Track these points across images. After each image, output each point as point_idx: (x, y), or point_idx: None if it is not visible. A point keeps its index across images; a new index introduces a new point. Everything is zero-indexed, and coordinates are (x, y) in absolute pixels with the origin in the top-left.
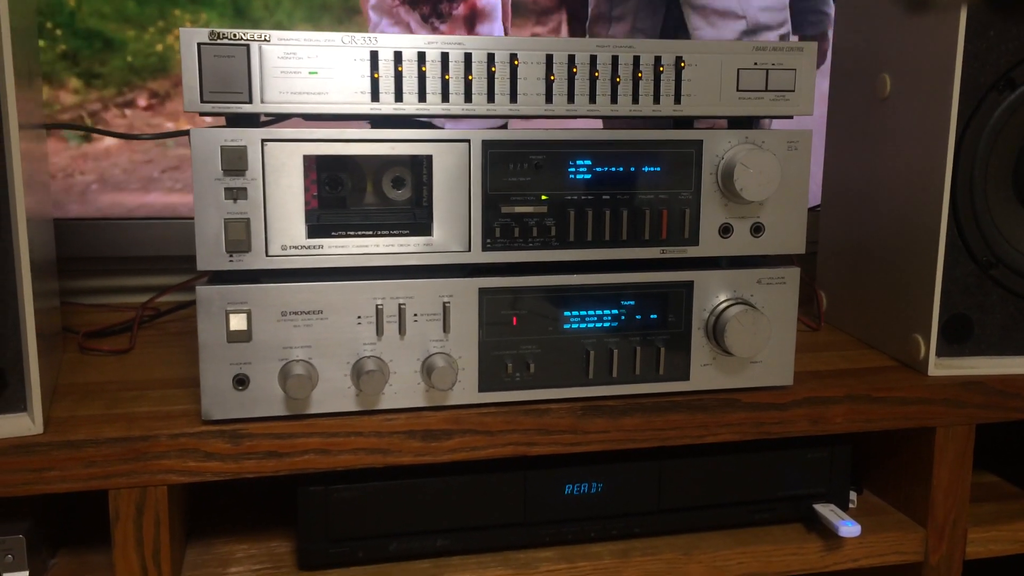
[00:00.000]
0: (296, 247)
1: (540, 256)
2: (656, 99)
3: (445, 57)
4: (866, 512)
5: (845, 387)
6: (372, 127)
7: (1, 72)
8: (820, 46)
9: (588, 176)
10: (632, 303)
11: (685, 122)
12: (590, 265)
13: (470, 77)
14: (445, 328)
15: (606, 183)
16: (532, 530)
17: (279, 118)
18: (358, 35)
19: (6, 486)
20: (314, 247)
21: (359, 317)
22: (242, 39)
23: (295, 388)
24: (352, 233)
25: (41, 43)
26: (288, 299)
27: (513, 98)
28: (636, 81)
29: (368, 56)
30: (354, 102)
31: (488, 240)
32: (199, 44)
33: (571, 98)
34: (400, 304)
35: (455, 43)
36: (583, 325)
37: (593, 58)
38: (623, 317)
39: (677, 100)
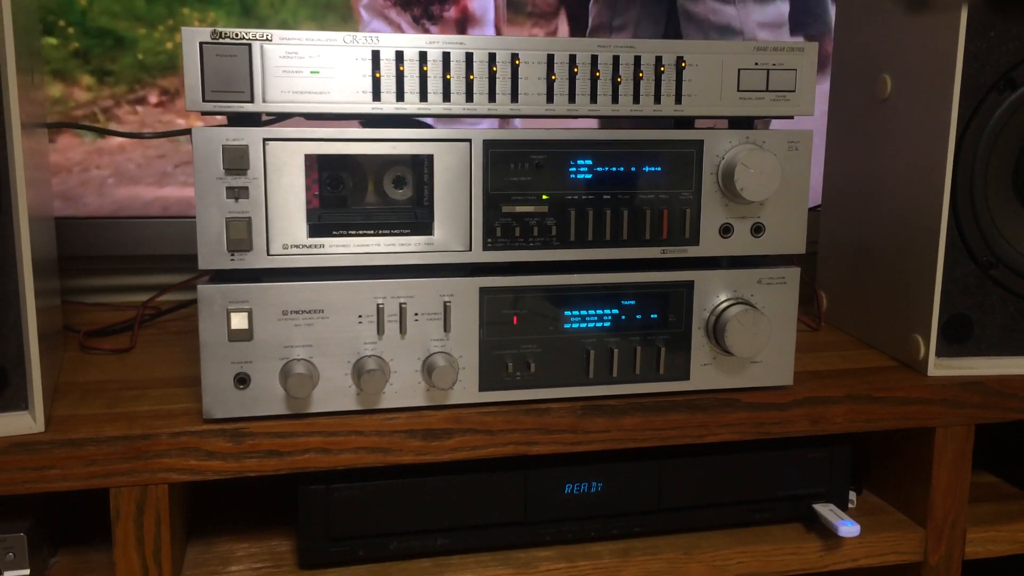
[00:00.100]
0: (297, 246)
1: (541, 256)
2: (657, 99)
3: (447, 57)
4: (865, 512)
5: (845, 387)
6: (363, 126)
7: (4, 72)
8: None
9: (589, 176)
10: (632, 303)
11: (686, 122)
12: (591, 265)
13: (471, 77)
14: (446, 327)
15: (607, 183)
16: (532, 529)
17: (281, 117)
18: (360, 35)
19: (7, 484)
20: (315, 246)
21: (360, 316)
22: (244, 38)
23: (296, 387)
24: (353, 232)
25: (54, 41)
26: (289, 298)
27: (514, 98)
28: (637, 81)
29: (370, 56)
30: (355, 101)
31: (489, 239)
32: (201, 43)
33: (572, 98)
34: (401, 303)
35: (456, 43)
36: (584, 325)
37: (594, 58)
38: (623, 317)
39: (678, 100)
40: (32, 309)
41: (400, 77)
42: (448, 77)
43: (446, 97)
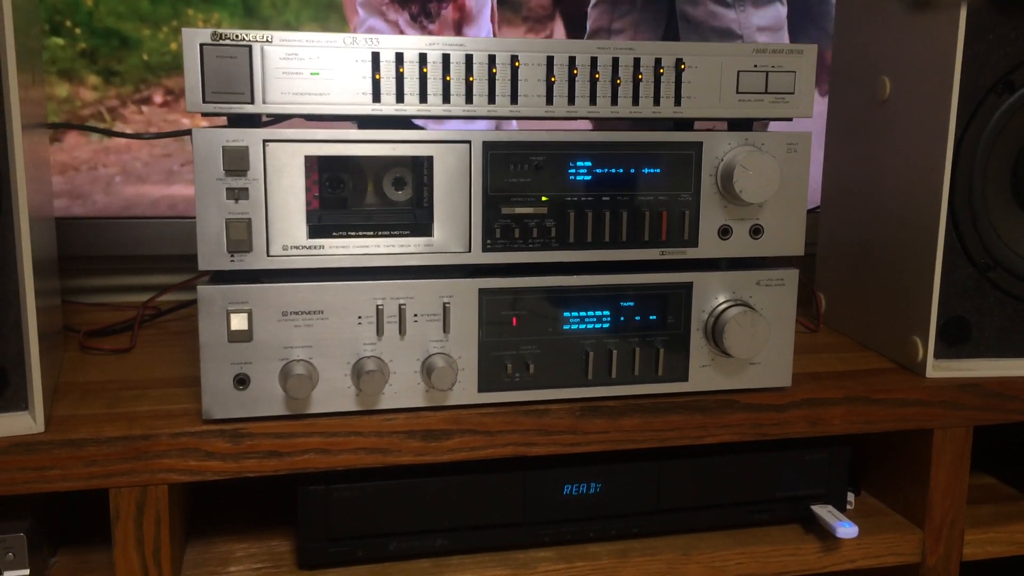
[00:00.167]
0: (297, 247)
1: (540, 257)
2: (656, 101)
3: (446, 58)
4: (864, 513)
5: (843, 389)
6: (359, 127)
7: (5, 73)
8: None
9: (588, 177)
10: (631, 304)
11: (685, 124)
12: (590, 266)
13: (471, 78)
14: (445, 328)
15: (606, 184)
16: (531, 530)
17: (281, 118)
18: (359, 36)
19: (7, 484)
20: (315, 247)
21: (359, 317)
22: (244, 40)
23: (295, 388)
24: (353, 233)
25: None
26: (289, 299)
27: (514, 99)
28: (636, 83)
29: (370, 57)
30: (356, 103)
31: (488, 241)
32: (201, 45)
33: (571, 100)
34: (400, 304)
35: (456, 44)
36: (583, 326)
37: (594, 60)
38: (622, 318)
39: (677, 102)
40: (32, 309)
41: (400, 79)
42: (448, 79)
43: (446, 99)
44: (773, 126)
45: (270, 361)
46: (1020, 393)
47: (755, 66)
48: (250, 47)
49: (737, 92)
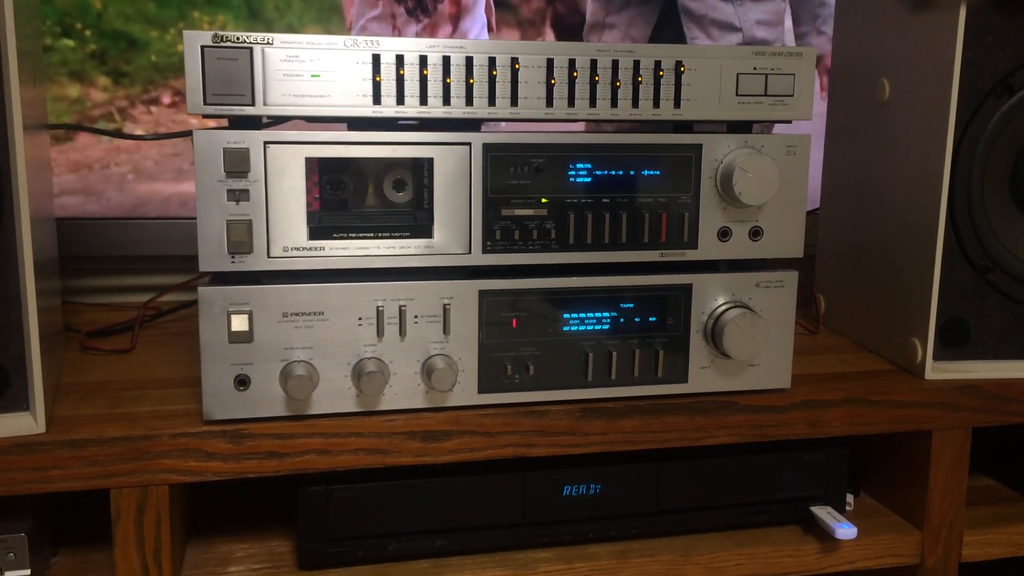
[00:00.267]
0: (298, 248)
1: (540, 259)
2: (656, 103)
3: (447, 60)
4: (863, 515)
5: (843, 390)
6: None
7: (6, 74)
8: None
9: (588, 179)
10: (631, 306)
11: (684, 126)
12: (590, 268)
13: (471, 81)
14: (445, 330)
15: (606, 186)
16: (531, 531)
17: (281, 120)
18: (360, 38)
19: (9, 484)
20: (315, 249)
21: (360, 318)
22: (245, 42)
23: (296, 389)
24: (353, 235)
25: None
26: (289, 300)
27: (514, 101)
28: (636, 85)
29: (370, 59)
30: (356, 105)
31: (488, 242)
32: (203, 47)
33: (571, 102)
34: (401, 306)
35: (457, 47)
36: (582, 327)
37: (593, 62)
38: (622, 320)
39: (677, 104)
40: (34, 310)
41: (400, 81)
42: (448, 81)
43: (446, 100)
44: (773, 128)
45: (271, 362)
46: (1019, 395)
47: (755, 69)
48: (251, 49)
49: (736, 95)
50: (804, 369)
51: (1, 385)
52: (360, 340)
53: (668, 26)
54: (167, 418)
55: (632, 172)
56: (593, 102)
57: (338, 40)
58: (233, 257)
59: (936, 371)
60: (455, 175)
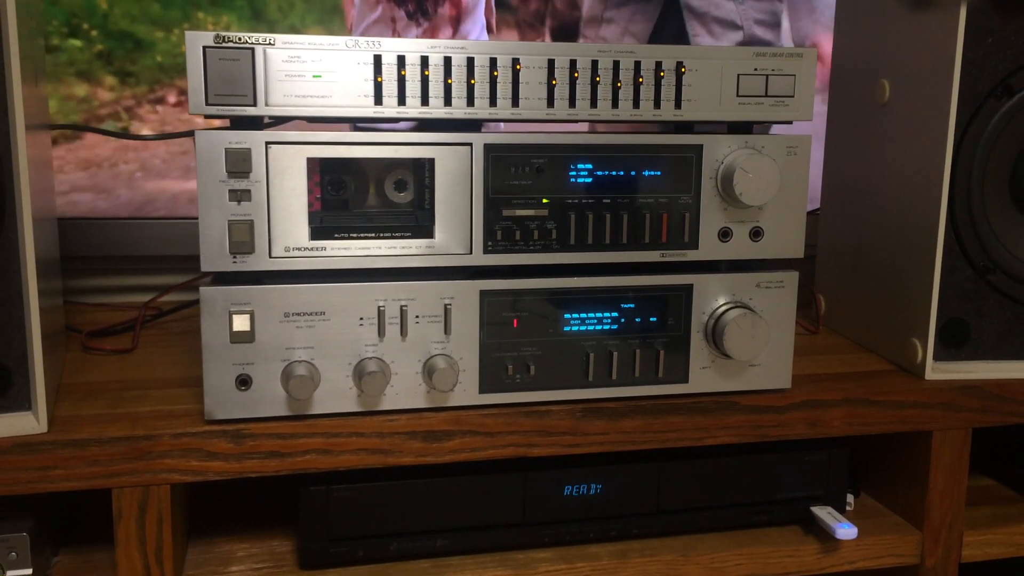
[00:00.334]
0: (299, 249)
1: (541, 259)
2: (657, 104)
3: (448, 61)
4: (863, 515)
5: (843, 390)
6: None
7: (8, 74)
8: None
9: (589, 180)
10: (632, 306)
11: (685, 127)
12: (590, 268)
13: (473, 81)
14: (446, 330)
15: (607, 187)
16: (531, 531)
17: (283, 121)
18: (361, 39)
19: (11, 484)
20: (317, 249)
21: (361, 318)
22: (247, 43)
23: (297, 389)
24: (355, 235)
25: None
26: (291, 300)
27: (515, 102)
28: (637, 86)
29: (371, 60)
30: (357, 105)
31: (489, 243)
32: (204, 47)
33: (572, 102)
34: (402, 306)
35: (458, 47)
36: (583, 327)
37: (595, 63)
38: (623, 320)
39: (678, 105)
40: (36, 310)
41: (402, 81)
42: (449, 82)
43: (447, 101)
44: (773, 129)
45: (272, 362)
46: (1018, 395)
47: (755, 69)
48: (253, 50)
49: (737, 95)
50: (804, 369)
51: (3, 385)
52: (361, 340)
53: (669, 22)
54: (168, 418)
55: (633, 172)
56: (594, 103)
57: (340, 41)
58: (235, 257)
59: (936, 371)
60: (456, 175)
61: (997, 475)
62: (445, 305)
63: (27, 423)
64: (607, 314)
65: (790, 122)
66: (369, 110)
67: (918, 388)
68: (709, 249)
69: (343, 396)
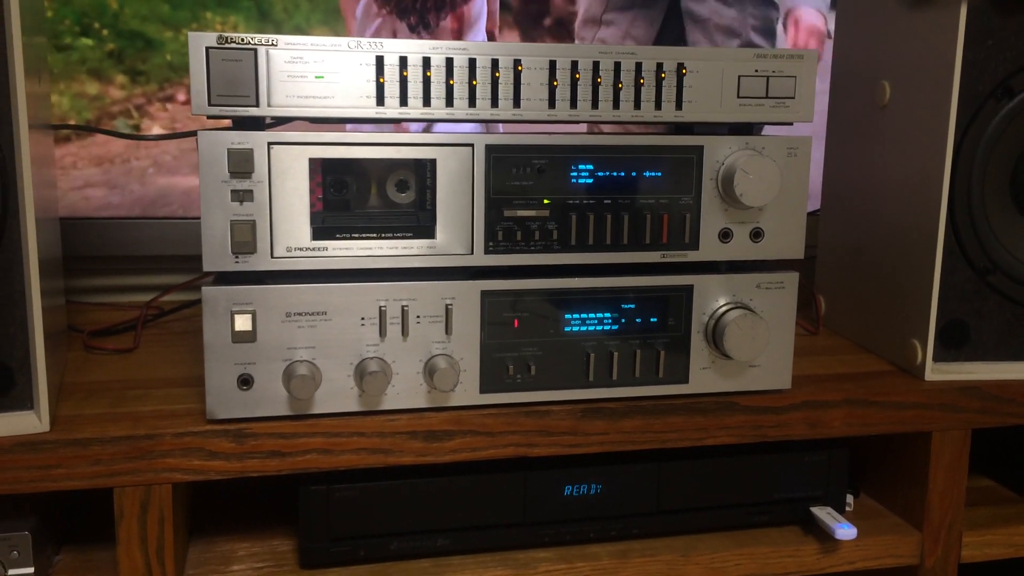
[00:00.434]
0: (301, 249)
1: (542, 259)
2: (658, 105)
3: (450, 62)
4: (862, 515)
5: (843, 391)
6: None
7: (11, 74)
8: None
9: (590, 180)
10: (632, 306)
11: (686, 128)
12: (591, 268)
13: (474, 82)
14: (447, 330)
15: (608, 187)
16: (532, 530)
17: (285, 121)
18: (364, 40)
19: (13, 483)
20: (319, 249)
21: (362, 318)
22: (249, 43)
23: (299, 388)
24: (356, 235)
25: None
26: (292, 300)
27: (516, 103)
28: (638, 87)
29: (374, 61)
30: (359, 106)
31: (491, 243)
32: (207, 48)
33: (574, 103)
34: (403, 306)
35: (460, 49)
36: (584, 328)
37: (596, 64)
38: (623, 320)
39: (678, 106)
40: (38, 310)
41: (404, 82)
42: (451, 82)
43: (449, 102)
44: (774, 130)
45: (273, 362)
46: (1018, 396)
47: (756, 71)
48: (255, 50)
49: (738, 97)
50: (804, 370)
51: (6, 384)
52: (362, 340)
53: (670, 28)
54: (170, 417)
55: (634, 173)
56: (595, 104)
57: (342, 42)
58: (237, 257)
59: (936, 372)
60: (458, 176)
61: (996, 476)
62: (446, 305)
63: (29, 422)
64: (608, 314)
65: (791, 123)
66: (371, 111)
67: (918, 389)
68: (709, 250)
69: (344, 396)
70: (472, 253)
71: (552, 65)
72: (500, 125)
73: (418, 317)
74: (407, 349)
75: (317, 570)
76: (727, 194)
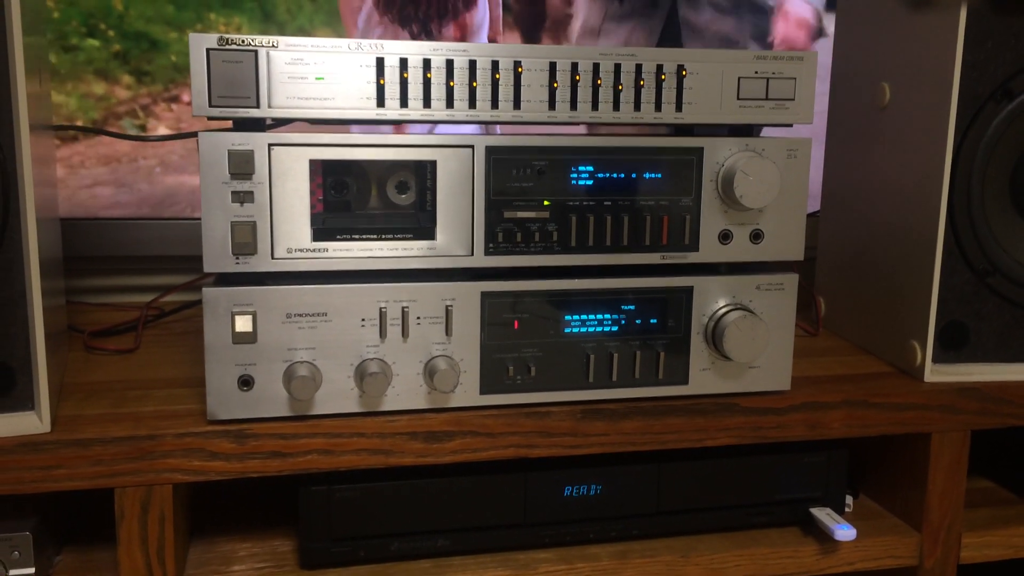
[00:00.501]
0: (301, 250)
1: (542, 261)
2: (658, 107)
3: (450, 64)
4: (862, 516)
5: (842, 392)
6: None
7: (12, 74)
8: None
9: (590, 182)
10: (632, 308)
11: (686, 129)
12: (591, 270)
13: (475, 84)
14: (447, 331)
15: (608, 189)
16: (532, 531)
17: (285, 122)
18: (364, 41)
19: (14, 484)
20: (319, 250)
21: (363, 319)
22: (250, 45)
23: (299, 389)
24: (357, 237)
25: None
26: (293, 301)
27: (517, 105)
28: (638, 89)
29: (374, 62)
30: (360, 107)
31: (491, 244)
32: (208, 49)
33: (574, 105)
34: (403, 307)
35: (460, 50)
36: (584, 329)
37: (596, 66)
38: (623, 321)
39: (679, 108)
40: (39, 311)
41: (404, 84)
42: (451, 84)
43: (449, 103)
44: (774, 131)
45: (274, 363)
46: (1017, 398)
47: (756, 72)
48: (256, 52)
49: (738, 98)
50: (804, 371)
51: (7, 384)
52: (363, 341)
53: (669, 38)
54: (171, 418)
55: (634, 175)
56: (595, 105)
57: (342, 43)
58: (237, 258)
59: (935, 374)
60: (458, 177)
61: (996, 477)
62: (446, 306)
63: (30, 423)
64: (608, 316)
65: (790, 125)
66: (371, 112)
67: (917, 390)
68: (709, 251)
69: (345, 397)
70: (472, 254)
71: (552, 67)
72: (499, 127)
73: (418, 318)
74: (407, 350)
75: (317, 570)
76: (727, 196)
